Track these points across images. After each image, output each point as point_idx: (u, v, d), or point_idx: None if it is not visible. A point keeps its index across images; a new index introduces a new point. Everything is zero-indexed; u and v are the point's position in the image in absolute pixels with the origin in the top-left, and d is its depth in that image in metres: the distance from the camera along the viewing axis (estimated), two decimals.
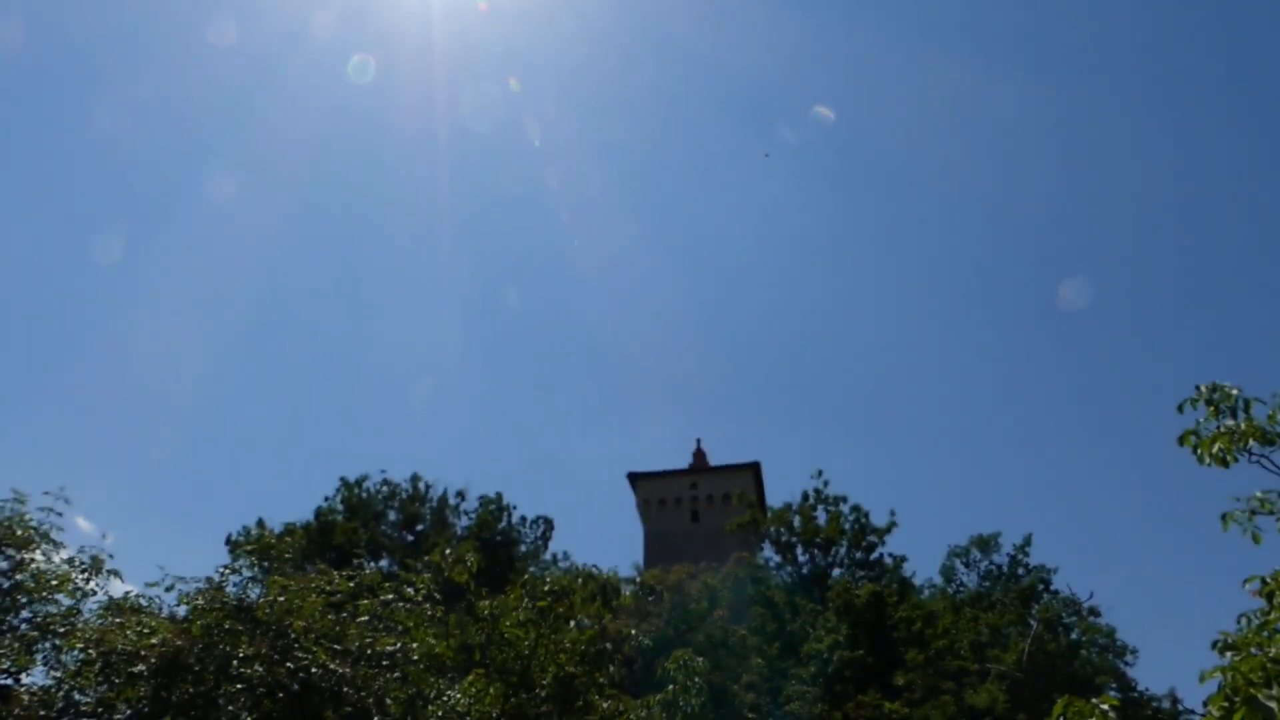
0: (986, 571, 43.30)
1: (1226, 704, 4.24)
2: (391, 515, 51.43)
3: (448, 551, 15.92)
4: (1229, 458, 7.46)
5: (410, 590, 15.00)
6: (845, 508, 42.64)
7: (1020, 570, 41.92)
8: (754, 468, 67.16)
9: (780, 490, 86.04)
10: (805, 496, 43.87)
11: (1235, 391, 7.75)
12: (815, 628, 34.65)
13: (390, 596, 14.69)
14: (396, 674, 13.52)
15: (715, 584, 34.93)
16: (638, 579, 33.93)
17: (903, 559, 41.55)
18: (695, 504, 67.05)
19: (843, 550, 42.23)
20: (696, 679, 14.59)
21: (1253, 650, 4.45)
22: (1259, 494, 7.18)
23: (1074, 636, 36.89)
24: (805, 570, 42.28)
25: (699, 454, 71.41)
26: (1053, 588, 39.80)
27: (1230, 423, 7.60)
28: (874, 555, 41.84)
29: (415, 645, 14.06)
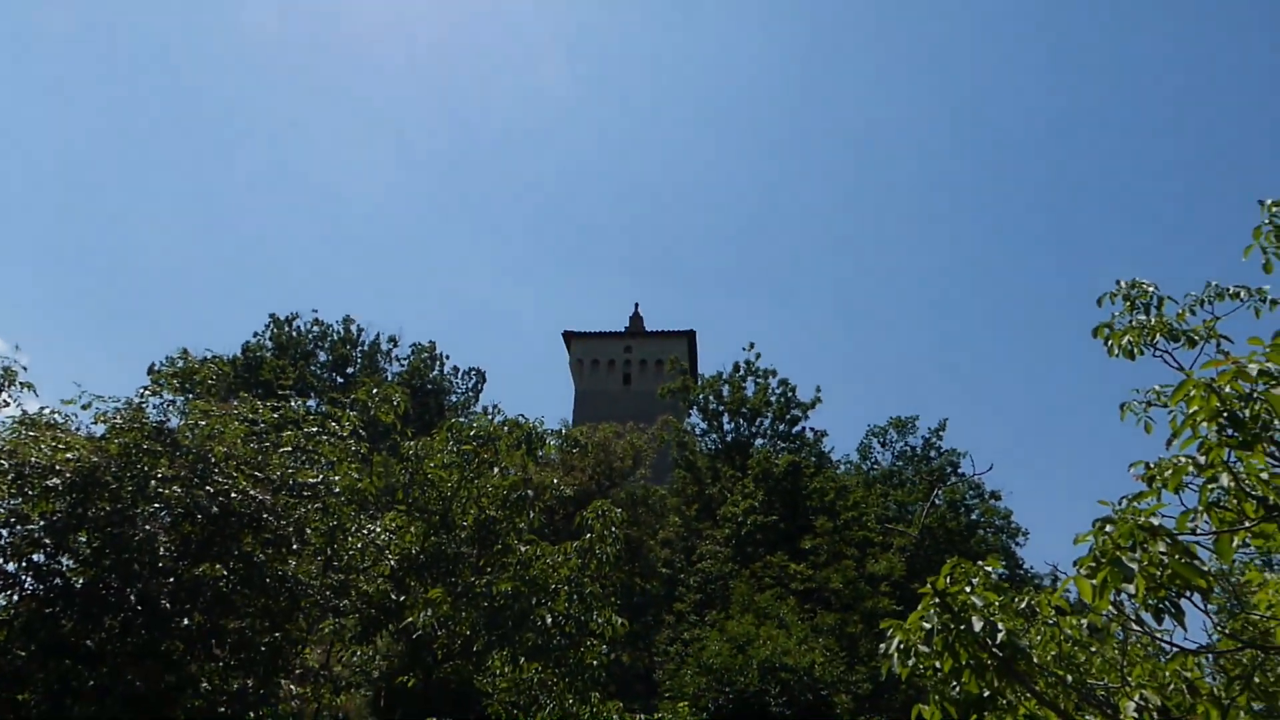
0: (901, 451, 45.06)
1: (1094, 564, 4.54)
2: (321, 356, 51.04)
3: (375, 391, 15.90)
4: (1136, 351, 7.74)
5: (335, 425, 15.03)
6: (774, 381, 43.55)
7: (933, 453, 43.70)
8: (689, 336, 67.86)
9: (713, 360, 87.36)
10: (736, 368, 44.65)
11: (1151, 288, 7.98)
12: (733, 493, 35.89)
13: (315, 429, 14.70)
14: (318, 505, 13.69)
15: (641, 444, 35.74)
16: (563, 432, 34.51)
17: (823, 434, 42.88)
18: (628, 367, 67.81)
19: (767, 422, 43.35)
20: (613, 529, 15.07)
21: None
22: (1157, 387, 7.50)
23: (974, 517, 38.95)
24: (730, 438, 43.40)
25: (636, 318, 71.79)
26: (960, 470, 41.68)
27: (1142, 318, 7.86)
28: (797, 429, 43.09)
29: (338, 479, 14.20)
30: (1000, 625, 5.83)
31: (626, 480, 33.72)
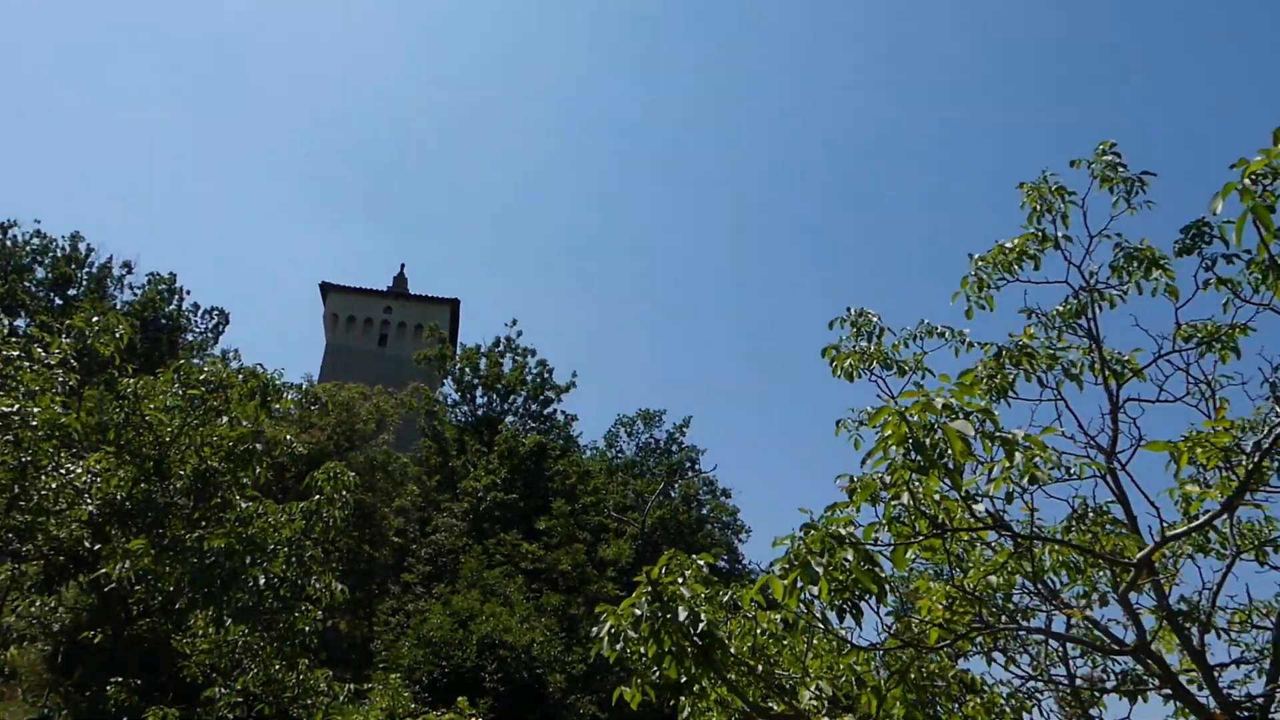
0: (645, 443, 46.73)
1: (787, 566, 4.95)
2: (40, 272, 45.63)
3: (95, 319, 14.38)
4: (855, 374, 8.50)
5: (42, 351, 13.50)
6: (532, 361, 43.79)
7: (675, 447, 45.65)
8: (453, 304, 66.72)
9: (475, 332, 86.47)
10: (497, 342, 44.47)
11: (875, 318, 8.78)
12: (477, 467, 35.75)
13: (16, 354, 13.14)
14: (8, 437, 12.27)
15: (388, 409, 34.77)
16: (305, 388, 32.92)
17: (574, 418, 43.67)
18: (386, 328, 65.73)
19: (520, 400, 43.53)
20: (344, 493, 14.60)
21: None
22: (869, 409, 8.24)
23: (704, 511, 41.11)
24: (481, 412, 43.16)
25: (400, 279, 69.69)
26: (698, 466, 43.82)
27: (864, 345, 8.63)
28: (549, 410, 43.57)
29: (37, 411, 12.77)
30: (703, 616, 6.21)
31: (368, 444, 32.69)
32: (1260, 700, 6.52)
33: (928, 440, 4.72)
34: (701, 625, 6.15)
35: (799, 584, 4.95)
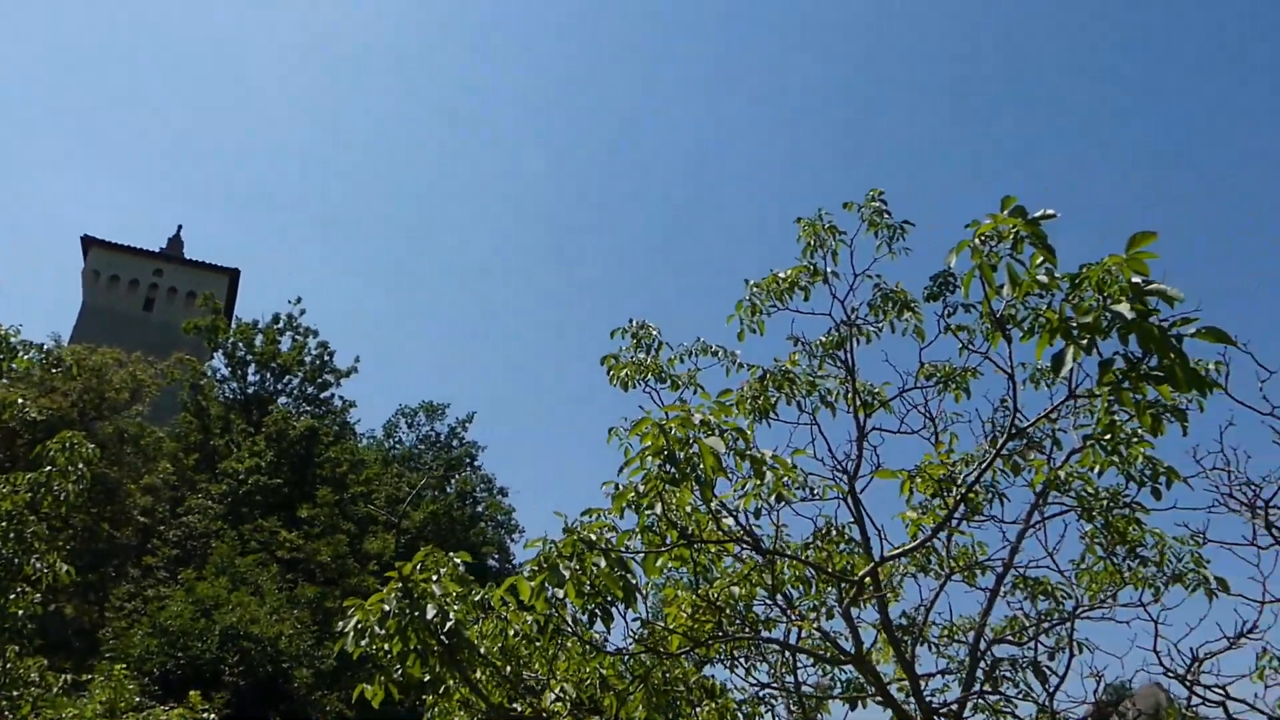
0: (426, 436, 45.72)
1: (537, 568, 4.99)
2: None
3: None
4: (631, 384, 8.70)
5: None
6: (313, 342, 41.81)
7: (455, 442, 44.95)
8: (232, 274, 62.68)
9: (255, 307, 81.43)
10: (276, 319, 42.13)
11: (655, 331, 9.04)
12: (241, 448, 33.69)
13: None
14: None
15: (145, 378, 32.10)
16: (48, 347, 29.82)
17: (352, 404, 42.09)
18: (154, 291, 60.83)
19: (296, 381, 41.46)
20: (81, 465, 13.33)
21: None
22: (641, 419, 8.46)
23: (479, 509, 40.71)
24: (252, 391, 40.74)
25: (176, 242, 64.71)
26: (477, 463, 43.35)
27: (642, 357, 8.86)
28: (326, 394, 41.75)
29: None
30: (452, 615, 6.15)
31: (119, 415, 30.04)
32: (954, 706, 7.21)
33: (682, 454, 4.90)
34: (449, 624, 6.08)
35: (546, 586, 4.99)
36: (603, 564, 5.54)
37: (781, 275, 8.44)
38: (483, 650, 7.41)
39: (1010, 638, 8.32)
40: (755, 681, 8.76)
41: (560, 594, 4.96)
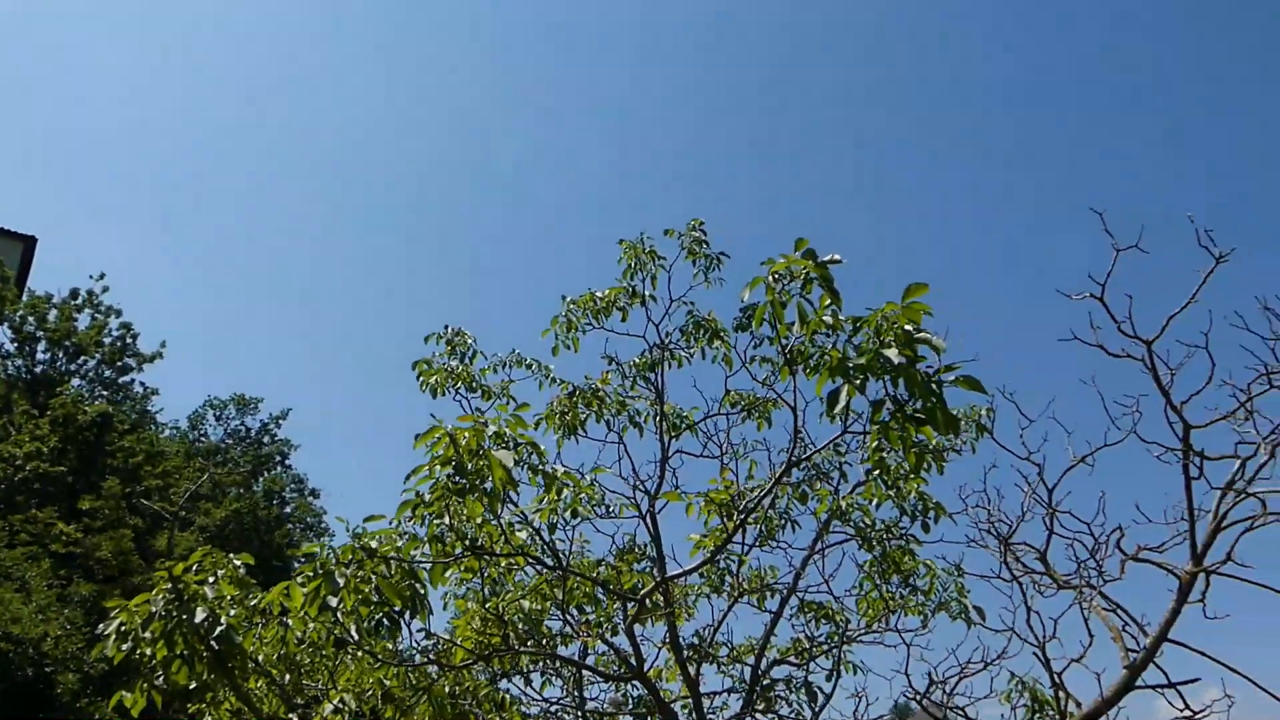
0: (235, 430, 43.37)
1: (313, 574, 4.85)
2: None
3: None
4: (441, 391, 8.58)
5: None
6: (115, 322, 38.94)
7: (267, 439, 42.86)
8: (28, 241, 57.41)
9: (52, 281, 74.92)
10: (75, 294, 39.00)
11: (471, 339, 8.97)
12: (21, 430, 30.87)
13: None
14: None
15: None
16: None
17: (154, 391, 39.40)
18: None
19: (93, 363, 38.48)
20: None
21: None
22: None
23: (288, 510, 38.93)
24: (40, 370, 37.46)
25: None
26: (288, 462, 41.47)
27: (455, 364, 8.76)
28: (126, 379, 38.94)
29: None
30: (224, 620, 5.86)
31: None
32: None
33: (472, 465, 4.88)
34: (220, 629, 5.79)
35: (320, 593, 4.84)
36: (389, 572, 5.44)
37: (599, 294, 8.57)
38: (260, 658, 7.11)
39: (793, 659, 8.70)
40: (545, 699, 8.78)
41: (334, 601, 4.81)
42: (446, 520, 5.44)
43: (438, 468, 4.88)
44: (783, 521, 8.50)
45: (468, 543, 5.76)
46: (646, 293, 8.85)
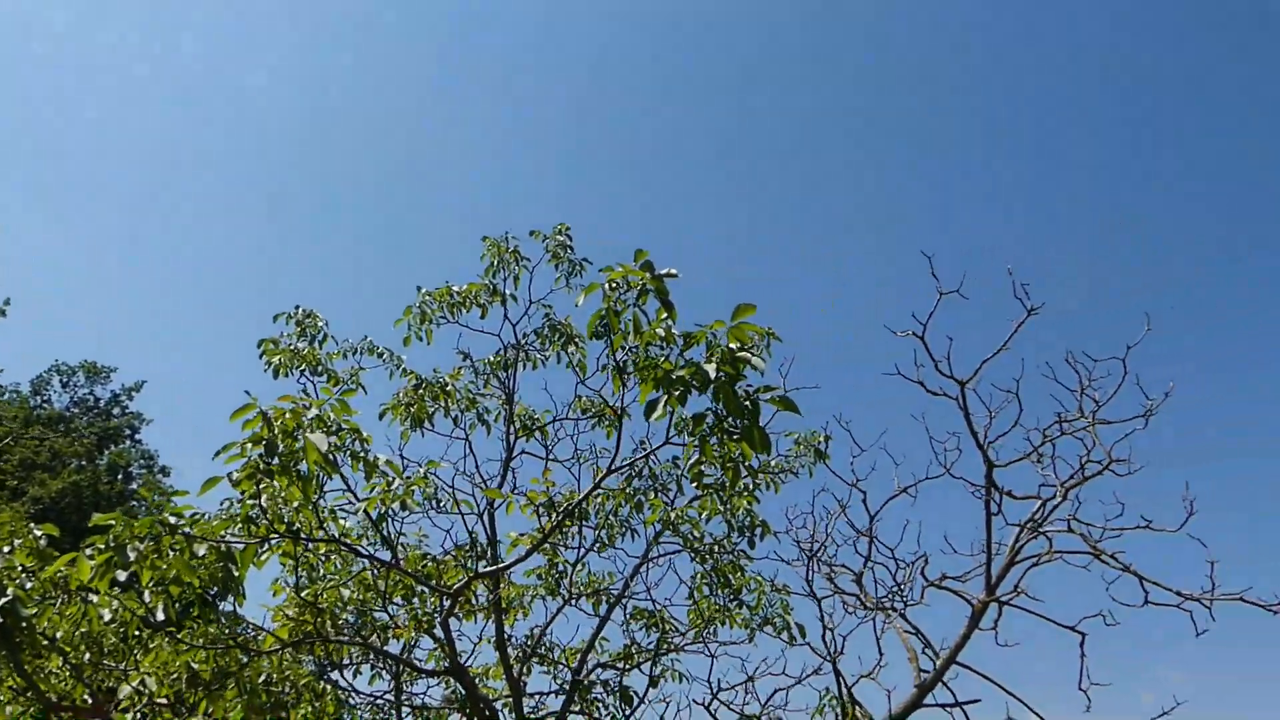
0: (83, 399, 40.99)
1: (102, 548, 4.67)
2: None
3: None
4: (284, 372, 8.36)
5: None
6: None
7: (117, 410, 40.68)
8: None
9: None
10: None
11: (322, 322, 8.77)
12: None
13: None
14: None
15: None
16: None
17: None
18: None
19: None
20: None
21: None
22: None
23: (133, 486, 36.99)
24: None
25: None
26: (138, 437, 39.48)
27: (302, 345, 8.55)
28: None
29: None
30: (10, 590, 5.57)
31: None
32: None
33: (284, 445, 4.79)
34: (4, 601, 5.50)
35: (110, 567, 4.66)
36: (195, 550, 5.28)
37: (456, 289, 8.52)
38: (59, 634, 6.77)
39: (617, 664, 8.81)
40: (369, 692, 8.64)
41: (123, 575, 4.64)
42: (262, 501, 5.32)
43: (249, 446, 4.76)
44: (622, 529, 8.62)
45: (284, 526, 5.63)
46: (507, 292, 8.85)
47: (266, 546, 5.84)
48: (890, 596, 7.05)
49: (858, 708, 6.50)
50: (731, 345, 4.88)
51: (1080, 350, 6.68)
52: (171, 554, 4.83)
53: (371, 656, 8.26)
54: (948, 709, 6.52)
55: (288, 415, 4.90)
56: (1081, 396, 6.63)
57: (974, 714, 6.57)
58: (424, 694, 9.35)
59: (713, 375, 4.60)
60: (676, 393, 4.79)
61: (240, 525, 5.55)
